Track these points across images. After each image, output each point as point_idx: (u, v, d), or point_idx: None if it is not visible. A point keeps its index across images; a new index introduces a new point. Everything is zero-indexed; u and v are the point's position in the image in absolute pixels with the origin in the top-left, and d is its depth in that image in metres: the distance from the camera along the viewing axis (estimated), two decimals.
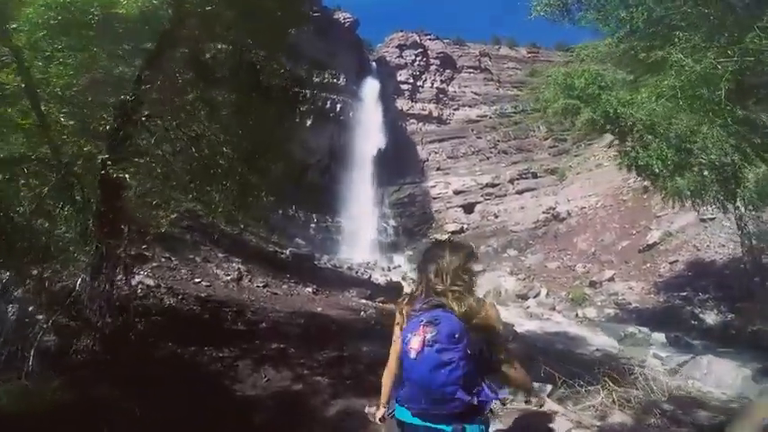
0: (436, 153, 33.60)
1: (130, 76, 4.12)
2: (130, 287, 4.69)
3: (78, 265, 3.85)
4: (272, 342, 5.10)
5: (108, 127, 3.91)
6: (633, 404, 4.19)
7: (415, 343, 1.56)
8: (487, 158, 33.27)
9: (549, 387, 4.48)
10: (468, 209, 30.75)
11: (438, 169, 32.94)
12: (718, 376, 6.22)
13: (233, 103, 4.79)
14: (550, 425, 3.43)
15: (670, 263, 16.53)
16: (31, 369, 3.31)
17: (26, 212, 3.31)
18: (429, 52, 35.95)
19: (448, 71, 36.08)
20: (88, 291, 3.81)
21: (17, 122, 3.31)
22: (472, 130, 34.39)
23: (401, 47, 35.36)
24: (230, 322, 5.56)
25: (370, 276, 17.25)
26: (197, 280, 7.09)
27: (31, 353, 3.34)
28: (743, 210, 10.26)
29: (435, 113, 34.72)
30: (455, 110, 35.39)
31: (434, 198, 31.55)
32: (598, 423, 3.83)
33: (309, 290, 9.25)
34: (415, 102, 34.58)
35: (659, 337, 10.45)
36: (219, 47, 5.02)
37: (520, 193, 30.70)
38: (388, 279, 17.38)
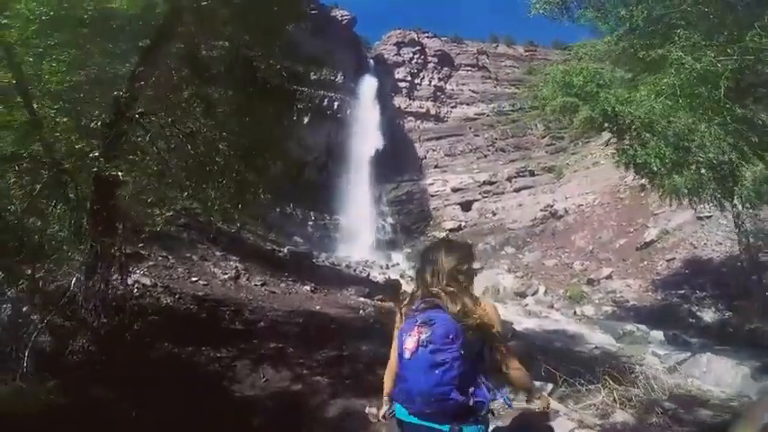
0: (434, 151, 33.58)
1: (125, 72, 4.05)
2: (126, 286, 4.63)
3: (73, 265, 3.79)
4: (270, 341, 5.05)
5: (102, 124, 3.84)
6: (634, 403, 4.18)
7: (409, 343, 1.57)
8: (485, 156, 33.29)
9: (550, 386, 4.47)
10: (466, 206, 30.78)
11: (436, 167, 32.94)
12: (718, 374, 6.23)
13: (229, 99, 4.73)
14: (550, 423, 3.41)
15: (667, 261, 16.57)
16: (25, 370, 3.25)
17: (17, 211, 3.23)
18: (427, 50, 35.89)
19: (446, 69, 36.04)
20: (83, 290, 3.75)
21: (8, 120, 3.24)
22: (470, 128, 34.40)
23: (399, 44, 35.28)
24: (228, 321, 5.50)
25: (369, 274, 17.22)
26: (194, 279, 7.02)
27: (26, 354, 3.29)
28: (740, 208, 10.28)
29: (433, 111, 34.69)
30: (453, 108, 35.38)
31: (432, 196, 31.57)
32: (599, 422, 3.82)
33: (308, 288, 9.20)
34: (413, 99, 34.53)
35: (657, 335, 10.47)
36: (216, 43, 4.96)
37: (517, 190, 30.75)
38: (387, 277, 17.35)
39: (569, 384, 4.65)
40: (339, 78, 28.74)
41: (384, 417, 1.81)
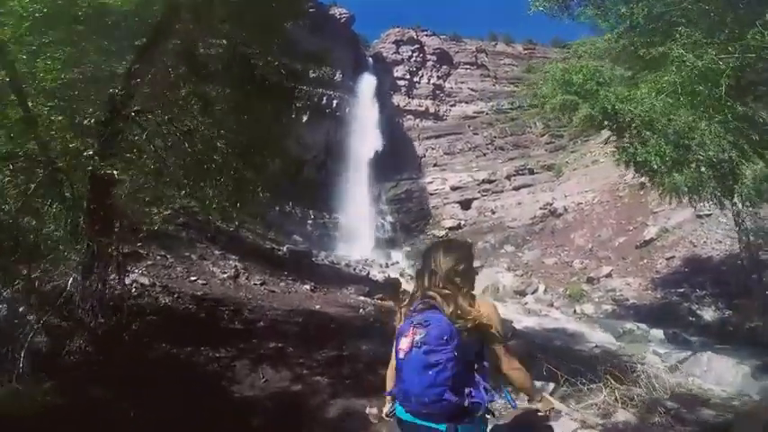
0: (433, 149, 33.54)
1: (121, 70, 4.00)
2: (124, 286, 4.58)
3: (69, 264, 3.75)
4: (269, 341, 5.01)
5: (97, 122, 3.80)
6: (636, 402, 4.15)
7: (404, 344, 1.59)
8: (484, 155, 33.26)
9: (551, 385, 4.44)
10: (465, 205, 30.77)
11: (435, 165, 32.90)
12: (719, 373, 6.21)
13: (227, 97, 4.68)
14: (551, 423, 3.39)
15: (667, 259, 16.57)
16: (21, 371, 3.22)
17: (12, 210, 3.19)
18: (426, 48, 35.80)
19: (444, 67, 35.96)
20: (80, 290, 3.71)
21: (2, 118, 3.19)
22: (469, 127, 34.35)
23: (398, 43, 35.18)
24: (227, 321, 5.46)
25: (368, 273, 17.21)
26: (193, 278, 6.98)
27: (22, 354, 3.25)
28: (740, 206, 10.26)
29: (432, 110, 34.63)
30: (452, 106, 35.32)
31: (431, 194, 31.54)
32: (601, 421, 3.79)
33: (307, 287, 9.16)
34: (412, 98, 34.47)
35: (657, 333, 10.45)
36: (213, 41, 4.92)
37: (517, 189, 30.73)
38: (386, 275, 17.33)
39: (571, 384, 4.63)
40: (338, 77, 28.65)
41: (387, 415, 1.82)
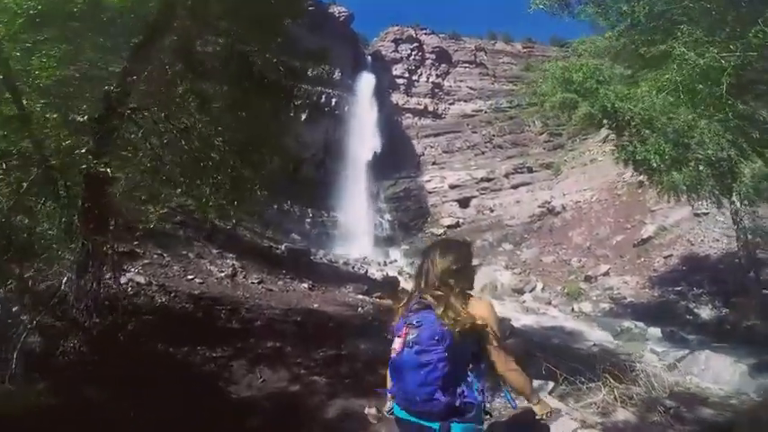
0: (432, 147, 33.50)
1: (117, 67, 3.95)
2: (119, 285, 4.54)
3: (63, 264, 3.69)
4: (267, 341, 4.97)
5: (92, 119, 3.74)
6: (635, 401, 4.15)
7: (396, 344, 1.64)
8: (483, 153, 33.23)
9: (551, 384, 4.43)
10: (464, 203, 30.76)
11: (433, 164, 32.87)
12: (716, 372, 6.22)
13: (224, 94, 4.63)
14: (548, 423, 3.38)
15: (664, 257, 16.62)
16: (14, 372, 3.17)
17: (4, 208, 3.13)
18: (424, 47, 35.70)
19: (443, 66, 35.88)
20: (74, 289, 3.66)
21: None
22: (467, 125, 34.30)
23: (397, 41, 35.06)
24: (224, 320, 5.42)
25: (367, 271, 17.17)
26: (190, 277, 6.92)
27: (15, 355, 3.20)
28: (738, 205, 10.27)
29: (431, 108, 34.57)
30: (450, 104, 35.26)
31: (430, 192, 31.52)
32: (600, 420, 3.78)
33: (305, 286, 9.12)
34: (411, 96, 34.39)
35: (655, 331, 10.48)
36: (211, 38, 4.87)
37: (515, 187, 30.74)
38: (385, 274, 17.31)
39: (570, 382, 4.62)
40: (337, 75, 28.53)
41: (387, 413, 1.85)
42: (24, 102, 3.38)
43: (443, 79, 35.59)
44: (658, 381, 4.76)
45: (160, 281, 6.01)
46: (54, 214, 3.50)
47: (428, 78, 35.11)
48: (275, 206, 21.83)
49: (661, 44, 5.52)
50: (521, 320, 11.96)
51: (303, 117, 22.97)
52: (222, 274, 7.75)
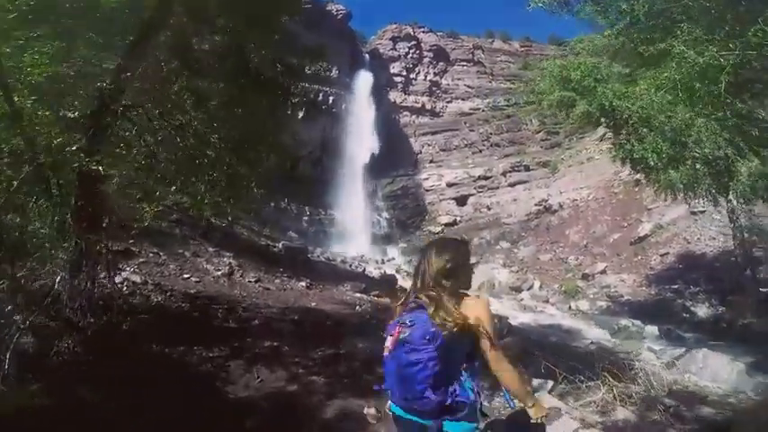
0: (429, 146, 33.45)
1: (111, 65, 3.88)
2: (114, 284, 4.47)
3: (57, 263, 3.63)
4: (264, 340, 4.93)
5: (85, 117, 3.68)
6: (635, 399, 4.14)
7: (389, 342, 1.67)
8: (480, 151, 33.22)
9: (550, 383, 4.41)
10: (461, 201, 30.76)
11: (431, 162, 32.82)
12: (714, 370, 6.23)
13: (221, 91, 4.57)
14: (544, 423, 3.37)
15: (661, 255, 16.68)
16: (7, 372, 3.11)
17: None
18: (422, 45, 35.59)
19: (441, 64, 35.80)
20: (68, 289, 3.60)
21: None
22: (465, 123, 34.27)
23: (394, 39, 34.92)
24: (221, 320, 5.37)
25: (364, 269, 17.12)
26: (186, 275, 6.86)
27: (7, 356, 3.14)
28: (735, 203, 10.31)
29: (428, 106, 34.50)
30: (448, 103, 35.20)
31: (427, 190, 31.48)
32: (600, 419, 3.77)
33: (303, 284, 9.07)
34: (408, 94, 34.29)
35: (652, 329, 10.50)
36: (208, 36, 4.81)
37: (512, 185, 30.77)
38: (382, 272, 17.28)
39: (569, 381, 4.61)
40: (334, 73, 28.41)
41: (388, 410, 1.86)
42: (16, 99, 3.31)
43: (441, 77, 35.51)
44: (657, 379, 4.76)
45: (156, 280, 5.95)
46: (46, 212, 3.43)
47: (426, 76, 35.02)
48: (272, 204, 21.73)
49: (660, 42, 5.51)
50: (518, 318, 11.98)
51: (300, 115, 22.84)
52: (219, 273, 7.69)
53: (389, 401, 1.82)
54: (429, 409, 1.61)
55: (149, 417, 3.23)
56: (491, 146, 33.24)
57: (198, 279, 6.92)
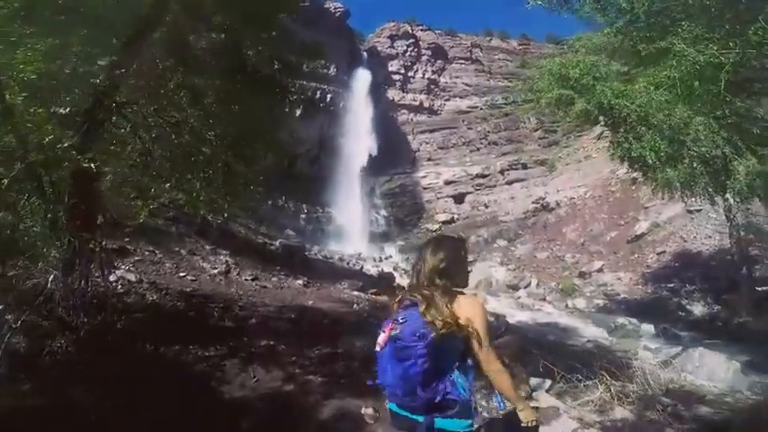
0: (427, 144, 33.41)
1: (106, 61, 3.82)
2: (108, 283, 4.42)
3: (50, 261, 3.57)
4: (261, 339, 4.89)
5: (79, 113, 3.62)
6: (632, 399, 4.14)
7: (380, 338, 1.70)
8: (478, 149, 33.21)
9: (548, 382, 4.40)
10: (459, 199, 30.75)
11: (429, 160, 32.79)
12: (710, 369, 6.25)
13: (217, 88, 4.52)
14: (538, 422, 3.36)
15: (657, 254, 16.74)
16: None
17: None
18: (421, 43, 35.47)
19: (439, 62, 35.70)
20: (61, 288, 3.54)
21: None
22: (463, 121, 34.24)
23: (393, 37, 34.78)
24: (217, 318, 5.32)
25: (362, 267, 17.10)
26: (182, 274, 6.80)
27: None
28: (732, 201, 10.33)
29: (426, 104, 34.43)
30: (446, 101, 35.14)
31: (425, 188, 31.45)
32: (598, 418, 3.76)
33: (300, 282, 9.03)
34: (407, 92, 34.20)
35: (648, 328, 10.54)
36: (204, 33, 4.75)
37: (510, 183, 30.79)
38: (380, 270, 17.26)
39: (567, 380, 4.60)
40: (332, 71, 28.27)
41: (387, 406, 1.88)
42: (7, 96, 3.25)
43: (439, 75, 35.44)
44: (654, 378, 4.77)
45: (151, 278, 5.88)
46: (39, 210, 3.37)
47: (424, 74, 34.93)
48: (269, 202, 21.63)
49: (660, 41, 5.48)
50: (515, 317, 12.00)
51: (298, 112, 22.72)
52: (215, 271, 7.63)
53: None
54: (419, 406, 1.63)
55: (143, 417, 3.19)
56: (489, 144, 33.23)
57: (194, 277, 6.86)
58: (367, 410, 3.55)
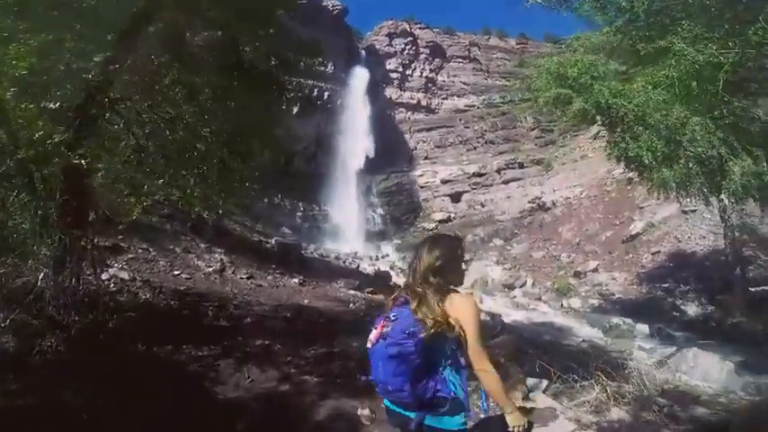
0: (424, 142, 33.38)
1: (101, 57, 3.75)
2: (100, 281, 4.34)
3: (40, 259, 3.50)
4: (256, 338, 4.84)
5: (71, 109, 3.55)
6: (628, 399, 4.13)
7: (372, 335, 1.72)
8: (474, 148, 33.24)
9: (544, 383, 4.39)
10: (456, 198, 30.78)
11: (426, 158, 32.77)
12: (705, 369, 6.28)
13: (212, 84, 4.45)
14: (532, 421, 3.35)
15: (652, 254, 16.82)
16: None
17: None
18: (419, 41, 35.39)
19: (437, 60, 35.66)
20: (51, 286, 3.47)
21: None
22: (460, 120, 34.23)
23: (391, 35, 34.67)
24: (211, 317, 5.26)
25: (358, 266, 17.06)
26: (176, 272, 6.73)
27: None
28: (726, 202, 10.39)
29: (424, 102, 34.39)
30: (443, 99, 35.12)
31: (422, 187, 31.44)
32: (595, 420, 3.75)
33: (296, 281, 8.98)
34: (404, 90, 34.14)
35: (643, 328, 10.59)
36: (199, 28, 4.68)
37: (506, 182, 30.86)
38: (377, 269, 17.22)
39: (563, 381, 4.59)
40: (330, 68, 28.13)
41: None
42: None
43: (437, 74, 35.39)
44: (650, 379, 4.77)
45: (145, 276, 5.81)
46: (29, 207, 3.30)
47: (422, 73, 34.87)
48: (266, 200, 21.50)
49: (659, 40, 5.48)
50: (511, 316, 12.01)
51: (295, 110, 22.60)
52: (210, 269, 7.56)
53: None
54: (410, 402, 1.64)
55: (135, 417, 3.14)
56: (486, 143, 33.26)
57: (188, 276, 6.79)
58: (363, 411, 3.51)
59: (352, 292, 9.59)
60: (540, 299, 15.62)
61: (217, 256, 8.58)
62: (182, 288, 5.97)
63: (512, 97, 32.35)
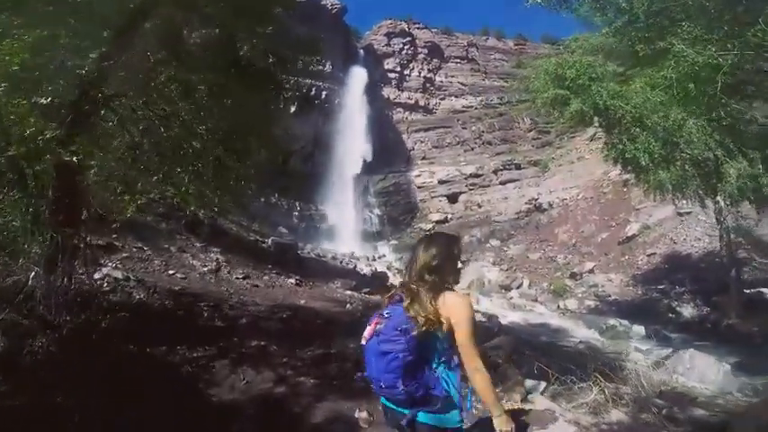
0: (422, 142, 33.39)
1: (96, 54, 3.68)
2: (93, 281, 4.27)
3: (31, 258, 3.43)
4: (251, 339, 4.77)
5: (64, 106, 3.48)
6: (626, 401, 4.12)
7: (366, 332, 1.74)
8: (472, 149, 33.29)
9: (543, 384, 4.37)
10: (453, 198, 30.81)
11: (423, 159, 32.78)
12: (701, 371, 6.29)
13: (209, 81, 4.39)
14: (523, 418, 3.33)
15: (648, 255, 16.90)
16: None
17: None
18: (417, 41, 35.41)
19: (435, 60, 35.69)
20: (43, 285, 3.40)
21: None
22: (458, 121, 34.28)
23: (389, 35, 34.67)
24: (206, 318, 5.19)
25: (355, 266, 17.01)
26: (171, 271, 6.65)
27: None
28: (722, 204, 10.44)
29: (422, 103, 34.41)
30: (441, 99, 35.15)
31: (419, 187, 31.45)
32: (594, 421, 3.73)
33: (292, 281, 8.92)
34: (402, 91, 34.14)
35: (639, 329, 10.62)
36: (196, 24, 4.62)
37: (503, 183, 30.93)
38: (373, 269, 17.18)
39: (561, 382, 4.57)
40: (328, 68, 28.05)
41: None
42: None
43: (435, 74, 35.42)
44: (647, 380, 4.76)
45: (139, 276, 5.74)
46: (20, 204, 3.23)
47: (420, 73, 34.89)
48: (262, 199, 21.41)
49: (659, 41, 5.48)
50: (508, 317, 12.02)
51: (293, 109, 22.51)
52: (205, 269, 7.49)
53: None
54: (403, 399, 1.64)
55: (128, 417, 3.08)
56: (483, 144, 33.32)
57: (183, 275, 6.72)
58: (361, 414, 3.47)
59: (348, 292, 9.55)
60: (536, 300, 15.64)
61: (212, 255, 8.50)
62: (176, 288, 5.90)
63: (509, 98, 32.43)
